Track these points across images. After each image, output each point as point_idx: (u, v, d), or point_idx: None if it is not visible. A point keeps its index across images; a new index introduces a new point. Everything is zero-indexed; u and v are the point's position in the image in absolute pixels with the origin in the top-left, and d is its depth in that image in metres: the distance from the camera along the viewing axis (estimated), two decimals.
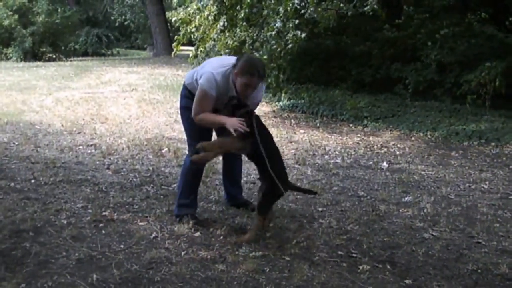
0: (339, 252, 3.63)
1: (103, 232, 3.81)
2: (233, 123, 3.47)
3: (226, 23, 9.42)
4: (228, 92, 3.68)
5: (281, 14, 7.84)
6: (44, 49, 21.70)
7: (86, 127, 7.69)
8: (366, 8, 7.83)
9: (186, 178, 4.07)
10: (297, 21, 7.84)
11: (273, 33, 7.94)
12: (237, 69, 3.60)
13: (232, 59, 3.76)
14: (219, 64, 3.74)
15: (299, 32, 7.78)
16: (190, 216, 3.99)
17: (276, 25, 7.85)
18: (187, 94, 3.95)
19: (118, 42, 32.19)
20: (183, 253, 3.50)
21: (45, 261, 3.29)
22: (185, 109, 3.98)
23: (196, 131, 3.90)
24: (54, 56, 22.24)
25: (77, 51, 26.36)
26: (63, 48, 23.27)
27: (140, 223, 4.00)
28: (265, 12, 8.40)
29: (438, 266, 3.47)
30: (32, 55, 21.14)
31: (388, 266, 3.43)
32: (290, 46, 7.92)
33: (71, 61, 21.92)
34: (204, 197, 4.65)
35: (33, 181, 4.96)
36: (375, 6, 7.85)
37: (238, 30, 8.82)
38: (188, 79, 3.96)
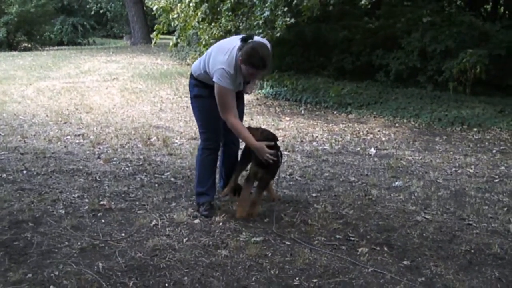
0: (337, 236, 3.70)
1: (103, 221, 3.82)
2: (262, 153, 3.72)
3: (207, 11, 9.41)
4: (237, 75, 3.66)
5: (268, 3, 7.84)
6: (19, 39, 21.31)
7: (71, 117, 7.63)
8: (362, 2, 7.96)
9: (200, 167, 4.06)
10: (285, 9, 7.86)
11: (261, 22, 7.95)
12: (241, 55, 3.53)
13: (234, 43, 3.66)
14: (224, 53, 3.63)
15: (288, 19, 7.79)
16: (207, 205, 4.02)
17: (264, 14, 7.86)
18: (197, 83, 3.93)
19: (94, 31, 31.64)
20: (184, 240, 3.53)
21: (48, 251, 3.29)
22: (196, 98, 3.97)
23: (208, 120, 3.93)
24: (29, 46, 21.87)
25: (52, 40, 25.87)
26: (38, 37, 22.86)
27: (139, 212, 4.02)
28: (251, 2, 8.38)
29: (433, 247, 3.57)
30: (7, 45, 20.75)
31: (386, 248, 3.53)
32: (278, 34, 7.93)
33: (47, 50, 21.52)
34: None
35: (25, 171, 4.92)
36: None
37: (223, 20, 8.80)
38: (195, 71, 3.92)
